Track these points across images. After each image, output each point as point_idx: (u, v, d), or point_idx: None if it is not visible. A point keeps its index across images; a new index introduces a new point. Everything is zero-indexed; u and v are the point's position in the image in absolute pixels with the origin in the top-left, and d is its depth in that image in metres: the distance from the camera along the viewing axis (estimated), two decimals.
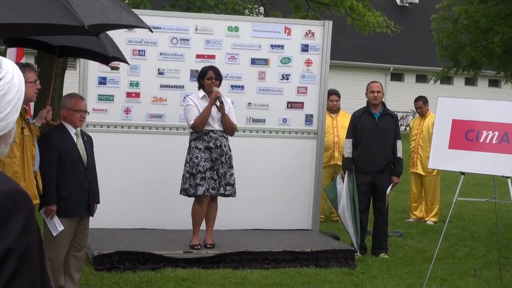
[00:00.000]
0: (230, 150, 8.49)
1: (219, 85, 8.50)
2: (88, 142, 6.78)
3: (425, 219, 12.03)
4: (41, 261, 1.90)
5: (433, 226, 11.66)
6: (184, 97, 9.04)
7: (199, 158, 8.33)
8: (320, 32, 9.88)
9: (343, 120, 11.27)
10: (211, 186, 8.34)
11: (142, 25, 5.06)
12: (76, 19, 3.99)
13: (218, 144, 8.37)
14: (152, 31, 5.65)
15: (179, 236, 8.93)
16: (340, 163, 10.73)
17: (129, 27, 4.99)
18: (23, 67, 6.17)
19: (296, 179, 9.86)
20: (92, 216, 6.87)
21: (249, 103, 9.72)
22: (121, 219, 9.26)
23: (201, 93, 8.47)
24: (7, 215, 1.81)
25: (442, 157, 8.21)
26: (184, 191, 8.47)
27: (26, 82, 6.10)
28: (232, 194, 8.54)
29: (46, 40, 6.82)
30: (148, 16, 8.66)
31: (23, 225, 1.83)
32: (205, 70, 8.54)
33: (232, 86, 9.59)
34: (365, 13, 16.66)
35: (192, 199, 8.49)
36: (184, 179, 8.46)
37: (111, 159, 9.10)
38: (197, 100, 8.42)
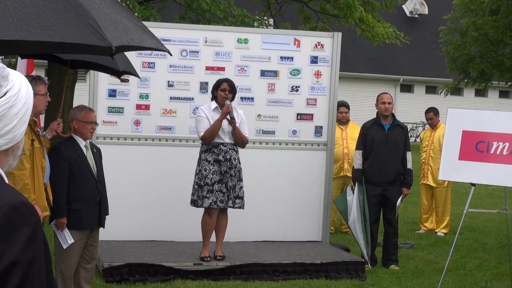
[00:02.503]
0: (239, 163, 8.49)
1: (233, 98, 8.51)
2: (98, 154, 6.79)
3: (436, 230, 11.99)
4: (48, 274, 1.89)
5: (443, 237, 11.62)
6: (195, 109, 9.05)
7: (207, 171, 8.33)
8: (329, 43, 9.88)
9: (353, 131, 11.26)
10: (219, 199, 8.34)
11: (162, 48, 5.09)
12: (104, 40, 4.02)
13: (227, 157, 8.37)
14: (171, 55, 5.67)
15: (189, 248, 8.93)
16: (349, 174, 10.71)
17: (150, 49, 5.03)
18: (34, 79, 6.20)
19: (305, 190, 9.85)
20: (103, 228, 6.87)
21: (259, 115, 9.73)
22: (131, 231, 9.26)
23: (214, 104, 8.48)
24: (12, 228, 1.81)
25: (452, 168, 8.19)
26: (193, 203, 8.49)
27: (37, 94, 6.16)
28: (241, 207, 8.54)
29: (57, 54, 6.84)
30: (157, 29, 8.70)
31: (28, 238, 1.82)
32: (219, 82, 8.55)
33: (241, 98, 9.59)
34: (375, 24, 16.67)
35: (202, 211, 8.49)
36: (193, 190, 8.47)
37: (120, 171, 9.11)
38: (208, 111, 8.43)
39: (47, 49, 5.08)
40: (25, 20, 3.91)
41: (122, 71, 7.03)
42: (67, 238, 6.48)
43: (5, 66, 2.01)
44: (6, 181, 1.96)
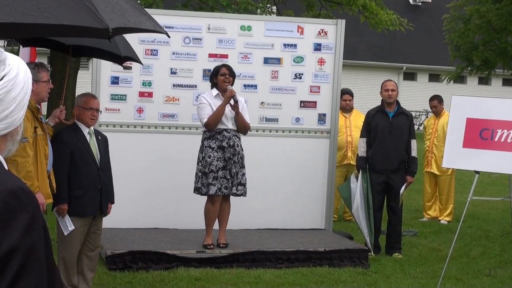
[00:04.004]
0: (242, 150, 8.47)
1: (233, 82, 8.50)
2: (102, 142, 6.76)
3: (439, 218, 11.98)
4: (48, 260, 1.86)
5: (447, 225, 11.62)
6: (197, 96, 9.03)
7: (211, 157, 8.31)
8: (333, 31, 9.84)
9: (356, 119, 11.24)
10: (223, 185, 8.33)
11: (160, 30, 5.05)
12: (101, 22, 3.99)
13: (231, 143, 8.35)
14: (169, 37, 5.63)
15: (192, 236, 8.92)
16: (353, 162, 10.70)
17: (148, 31, 4.99)
18: (37, 66, 6.18)
19: (309, 178, 9.83)
20: (105, 216, 6.86)
21: (262, 103, 9.70)
22: (134, 218, 9.26)
23: (215, 91, 8.46)
24: (11, 214, 1.78)
25: (456, 156, 8.16)
26: (197, 190, 8.47)
27: (39, 81, 6.14)
28: (243, 194, 8.52)
29: (58, 39, 6.82)
30: (160, 16, 8.65)
31: (27, 224, 1.79)
32: (217, 68, 8.54)
33: (244, 85, 9.57)
34: (378, 11, 16.60)
35: (205, 198, 8.47)
36: (197, 177, 8.45)
37: (123, 158, 9.09)
38: (210, 98, 8.41)
39: (44, 32, 5.05)
40: (20, 2, 3.89)
41: (124, 57, 7.00)
42: (68, 225, 6.47)
43: (2, 50, 1.98)
44: (6, 166, 1.93)
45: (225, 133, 8.36)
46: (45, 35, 6.20)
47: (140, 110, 9.38)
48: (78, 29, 4.17)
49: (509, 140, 7.85)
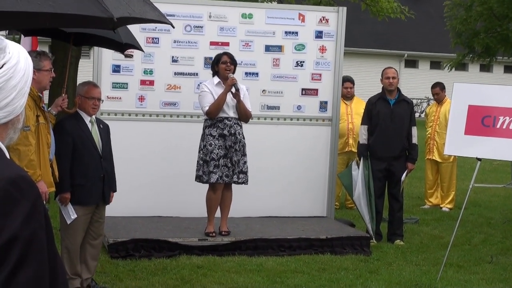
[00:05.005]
0: (244, 138, 8.47)
1: (234, 70, 8.49)
2: (104, 130, 6.75)
3: (441, 205, 11.99)
4: (50, 249, 1.86)
5: (448, 212, 11.62)
6: (199, 84, 9.02)
7: (212, 146, 8.32)
8: (334, 18, 9.83)
9: (357, 106, 11.24)
10: (224, 173, 8.33)
11: (165, 21, 5.04)
12: (105, 11, 3.99)
13: (232, 131, 8.35)
14: (173, 27, 5.62)
15: (194, 224, 8.93)
16: (354, 150, 10.70)
17: (152, 22, 4.98)
18: (39, 55, 6.17)
19: (310, 166, 9.83)
20: (108, 204, 6.86)
21: (263, 90, 9.70)
22: (136, 207, 9.27)
23: (216, 79, 8.46)
24: (11, 202, 1.77)
25: (458, 143, 8.16)
26: (198, 178, 8.47)
27: (41, 70, 6.12)
28: (245, 182, 8.53)
29: (59, 28, 6.80)
30: (162, 4, 8.62)
31: (28, 213, 1.78)
32: (219, 56, 8.53)
33: (246, 73, 9.56)
34: None
35: (207, 186, 8.48)
36: (198, 165, 8.46)
37: (125, 147, 9.09)
38: (211, 86, 8.40)
39: (48, 22, 5.04)
40: None
41: (125, 44, 6.99)
42: (70, 213, 6.48)
43: (3, 38, 1.97)
44: (7, 155, 1.91)
45: (226, 121, 8.36)
46: (49, 25, 6.19)
47: (141, 99, 9.38)
48: (83, 18, 4.17)
49: (511, 127, 7.84)
